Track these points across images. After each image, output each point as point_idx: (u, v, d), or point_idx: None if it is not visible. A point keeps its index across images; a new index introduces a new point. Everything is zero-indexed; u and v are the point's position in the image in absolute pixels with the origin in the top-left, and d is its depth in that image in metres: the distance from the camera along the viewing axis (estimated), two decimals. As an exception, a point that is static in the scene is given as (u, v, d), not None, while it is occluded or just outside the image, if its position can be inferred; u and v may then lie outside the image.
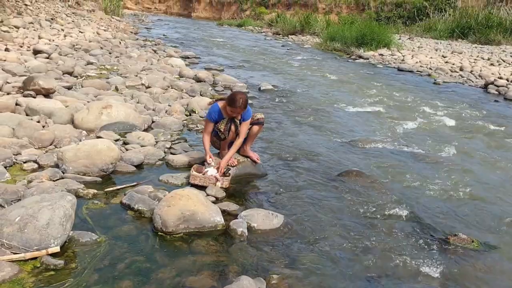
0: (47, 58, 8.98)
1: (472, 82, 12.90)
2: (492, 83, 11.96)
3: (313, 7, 49.09)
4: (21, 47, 9.95)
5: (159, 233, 3.11)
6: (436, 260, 3.10)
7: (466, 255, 3.25)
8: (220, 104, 4.25)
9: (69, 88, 6.81)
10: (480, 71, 14.22)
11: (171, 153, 4.77)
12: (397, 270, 2.97)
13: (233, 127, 4.26)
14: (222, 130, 4.25)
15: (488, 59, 17.14)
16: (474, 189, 4.54)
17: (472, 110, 8.74)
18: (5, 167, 3.81)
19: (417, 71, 14.77)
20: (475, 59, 17.10)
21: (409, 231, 3.53)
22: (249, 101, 7.32)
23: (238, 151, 4.47)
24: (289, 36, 29.57)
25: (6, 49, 9.04)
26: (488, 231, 3.69)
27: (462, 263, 3.15)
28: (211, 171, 4.09)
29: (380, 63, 16.69)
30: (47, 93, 5.89)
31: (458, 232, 3.50)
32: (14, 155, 4.08)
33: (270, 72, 12.48)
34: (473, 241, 3.41)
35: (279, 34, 31.54)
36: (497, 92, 11.28)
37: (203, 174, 4.03)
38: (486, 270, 3.11)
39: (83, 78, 7.98)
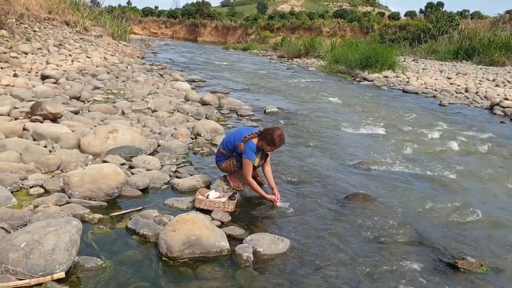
0: (55, 83, 9.08)
1: (478, 103, 12.90)
2: (497, 104, 11.95)
3: (317, 30, 49.75)
4: (29, 72, 10.07)
5: (164, 258, 3.10)
6: (444, 285, 3.06)
7: (474, 279, 3.20)
8: (255, 141, 4.31)
9: (76, 112, 6.88)
10: (486, 92, 14.21)
11: (177, 177, 4.78)
12: (405, 295, 2.93)
13: (262, 157, 4.43)
14: (256, 165, 4.38)
15: (493, 80, 17.16)
16: (482, 212, 4.48)
17: (478, 132, 8.71)
18: (12, 192, 3.83)
19: (422, 92, 14.80)
20: (480, 80, 17.13)
21: (417, 255, 3.49)
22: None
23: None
24: (294, 59, 29.81)
25: (15, 75, 9.16)
26: (497, 255, 3.63)
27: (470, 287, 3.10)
28: (213, 194, 4.10)
29: (385, 85, 16.75)
30: (54, 118, 5.95)
31: (466, 256, 3.46)
32: (20, 180, 4.11)
33: (275, 94, 12.54)
34: (482, 265, 3.35)
35: (284, 57, 31.82)
36: (503, 113, 11.26)
37: (206, 198, 4.04)
38: (496, 295, 3.06)
39: (90, 102, 8.05)
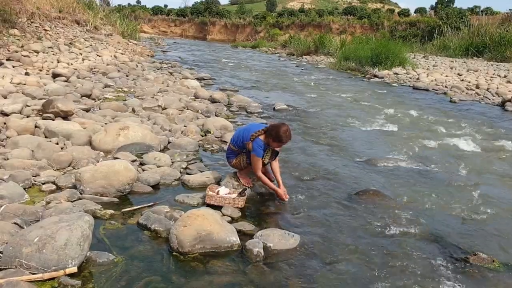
0: (66, 81, 9.17)
1: (489, 99, 12.77)
2: (509, 100, 11.80)
3: (326, 27, 49.48)
4: (41, 71, 10.17)
5: (175, 253, 3.12)
6: (455, 281, 3.04)
7: (486, 275, 3.18)
8: (262, 137, 4.31)
9: (87, 110, 6.93)
10: (497, 88, 14.06)
11: (187, 173, 4.80)
12: (416, 290, 2.92)
13: (272, 155, 4.43)
14: (266, 162, 4.38)
15: (505, 76, 16.96)
16: (493, 208, 4.45)
17: (489, 128, 8.64)
18: (24, 188, 3.88)
19: (433, 89, 14.67)
20: (491, 77, 16.93)
21: (428, 251, 3.47)
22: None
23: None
24: (303, 56, 29.73)
25: (26, 73, 9.26)
26: (509, 251, 3.60)
27: (482, 283, 3.07)
28: (223, 191, 4.11)
29: (395, 82, 16.64)
30: (66, 116, 6.00)
31: (478, 251, 3.43)
32: (33, 176, 4.16)
33: (285, 92, 12.53)
34: (493, 261, 3.33)
35: (293, 55, 31.74)
36: (514, 110, 11.14)
37: (216, 194, 4.06)
38: (508, 290, 3.04)
39: (100, 100, 8.11)
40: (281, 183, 4.39)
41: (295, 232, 3.53)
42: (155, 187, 4.35)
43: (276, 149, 4.41)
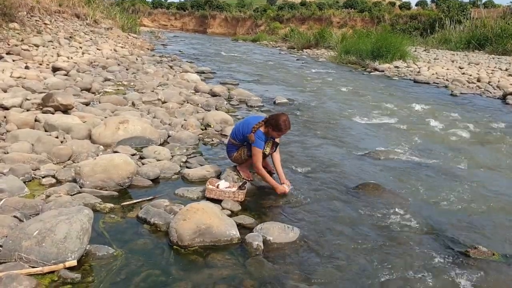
0: (66, 75, 9.15)
1: (490, 93, 12.74)
2: (510, 93, 11.78)
3: (327, 21, 49.35)
4: (41, 64, 10.15)
5: (174, 246, 3.12)
6: (456, 274, 3.04)
7: (487, 268, 3.17)
8: (263, 129, 4.34)
9: (87, 104, 6.92)
10: (498, 82, 14.03)
11: (187, 167, 4.79)
12: (416, 285, 2.91)
13: (273, 146, 4.45)
14: (267, 153, 4.40)
15: (506, 69, 16.92)
16: (493, 201, 4.45)
17: (490, 121, 8.62)
18: (24, 182, 3.88)
19: (434, 82, 14.64)
20: (493, 70, 16.89)
21: (428, 245, 3.47)
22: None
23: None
24: (304, 50, 29.69)
25: (26, 67, 9.24)
26: (509, 244, 3.60)
27: (483, 276, 3.07)
28: (223, 184, 4.11)
29: (396, 75, 16.60)
30: (66, 109, 6.00)
31: (478, 245, 3.43)
32: (33, 170, 4.16)
33: (285, 85, 12.50)
34: (494, 254, 3.33)
35: (294, 48, 31.68)
36: (516, 103, 11.11)
37: (216, 187, 4.05)
38: (508, 283, 3.03)
39: (100, 94, 8.09)
40: (282, 175, 4.39)
41: (295, 226, 3.53)
42: (155, 180, 4.35)
43: (276, 139, 4.43)
